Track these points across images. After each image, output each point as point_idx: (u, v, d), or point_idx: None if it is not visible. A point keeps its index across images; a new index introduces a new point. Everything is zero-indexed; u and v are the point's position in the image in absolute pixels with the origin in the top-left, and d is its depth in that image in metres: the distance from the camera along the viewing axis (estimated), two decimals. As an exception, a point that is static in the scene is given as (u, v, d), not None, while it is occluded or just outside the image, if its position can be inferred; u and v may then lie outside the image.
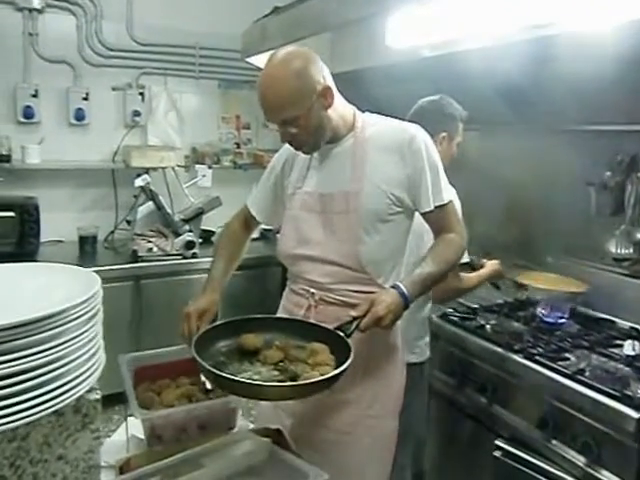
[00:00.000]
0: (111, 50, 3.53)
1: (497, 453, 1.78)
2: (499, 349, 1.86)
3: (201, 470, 1.14)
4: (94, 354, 0.92)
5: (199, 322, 1.37)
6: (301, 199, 1.46)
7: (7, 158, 3.24)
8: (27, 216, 3.16)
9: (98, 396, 0.92)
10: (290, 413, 1.48)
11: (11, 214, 3.14)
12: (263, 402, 1.56)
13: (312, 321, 1.38)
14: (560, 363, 1.71)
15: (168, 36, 3.63)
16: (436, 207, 1.39)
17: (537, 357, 1.75)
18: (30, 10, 3.27)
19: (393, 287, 1.29)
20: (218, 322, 1.39)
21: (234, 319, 1.36)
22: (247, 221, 1.65)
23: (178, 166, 3.76)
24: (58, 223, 3.48)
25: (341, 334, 1.23)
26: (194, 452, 1.16)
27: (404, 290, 1.28)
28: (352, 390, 1.42)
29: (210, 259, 3.26)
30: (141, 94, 3.64)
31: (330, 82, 1.36)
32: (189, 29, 3.64)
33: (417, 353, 1.93)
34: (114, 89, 3.60)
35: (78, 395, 0.85)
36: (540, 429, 1.69)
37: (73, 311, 0.84)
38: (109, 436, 1.44)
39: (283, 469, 1.11)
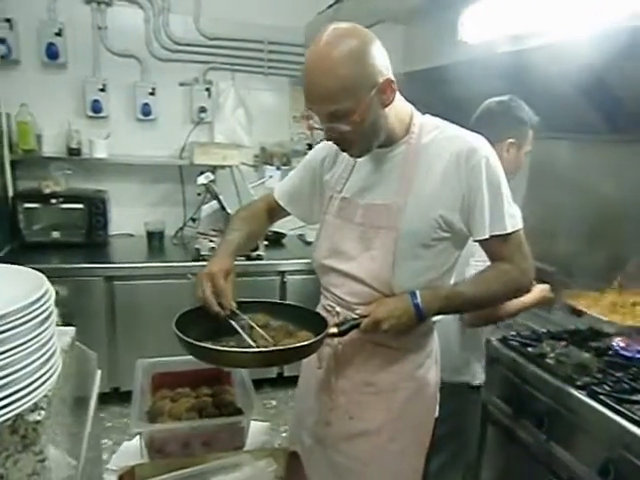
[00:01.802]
0: (178, 44, 3.63)
1: (552, 496, 1.66)
2: (558, 382, 1.72)
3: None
4: (40, 366, 0.83)
5: (224, 283, 1.27)
6: (338, 206, 1.37)
7: (77, 151, 3.47)
8: (95, 209, 3.40)
9: (39, 417, 0.84)
10: (311, 434, 1.46)
11: (80, 206, 3.37)
12: (291, 420, 1.63)
13: (317, 311, 1.40)
14: (627, 406, 1.54)
15: (236, 30, 3.69)
16: (493, 236, 1.25)
17: (601, 396, 1.60)
18: (99, 3, 3.43)
19: (412, 293, 1.23)
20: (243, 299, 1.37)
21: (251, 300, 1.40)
22: (270, 210, 1.56)
23: (244, 165, 3.83)
24: (129, 217, 3.71)
25: (334, 330, 1.25)
26: (201, 468, 1.16)
27: (419, 300, 1.22)
28: (373, 421, 1.37)
29: (277, 261, 3.38)
30: (207, 90, 3.73)
31: (391, 73, 1.19)
32: (258, 23, 3.68)
33: (470, 375, 1.86)
34: (181, 84, 3.71)
35: (11, 415, 0.79)
36: (601, 477, 1.54)
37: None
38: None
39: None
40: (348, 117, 1.15)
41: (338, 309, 1.37)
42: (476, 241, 1.29)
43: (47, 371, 0.86)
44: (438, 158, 1.25)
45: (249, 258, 3.41)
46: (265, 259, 3.46)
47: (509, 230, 1.25)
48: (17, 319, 0.79)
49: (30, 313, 0.81)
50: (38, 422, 0.84)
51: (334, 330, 1.24)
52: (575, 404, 1.65)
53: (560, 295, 2.02)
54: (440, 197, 1.24)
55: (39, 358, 0.84)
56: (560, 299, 2.04)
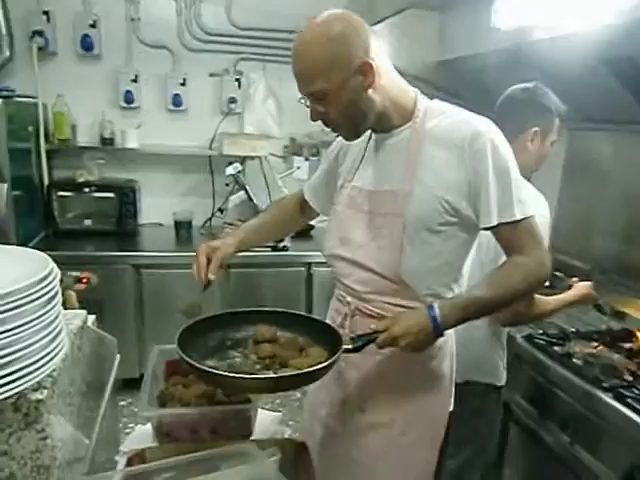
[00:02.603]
0: (210, 35, 3.65)
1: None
2: (584, 384, 1.67)
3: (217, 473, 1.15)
4: (45, 346, 0.86)
5: (209, 257, 1.34)
6: (348, 194, 1.37)
7: (110, 141, 3.54)
8: (125, 198, 3.47)
9: (42, 396, 0.86)
10: (323, 425, 1.46)
11: (111, 195, 3.45)
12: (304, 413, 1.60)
13: (333, 326, 1.33)
14: (656, 410, 1.50)
15: (268, 20, 3.67)
16: (501, 224, 1.20)
17: (629, 399, 1.55)
18: (132, -7, 3.48)
19: (429, 307, 1.19)
20: (250, 309, 1.38)
21: (261, 310, 1.39)
22: (302, 204, 1.61)
23: (273, 156, 3.83)
24: (159, 206, 3.78)
25: (348, 346, 1.19)
26: (206, 454, 1.17)
27: (437, 313, 1.17)
28: (385, 414, 1.35)
29: (304, 252, 3.37)
30: (237, 80, 3.74)
31: (379, 57, 1.20)
32: (290, 12, 3.60)
33: (494, 376, 1.80)
34: (212, 75, 3.72)
35: (13, 393, 0.81)
36: (626, 484, 1.50)
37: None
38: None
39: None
40: (325, 97, 1.20)
41: (349, 299, 1.36)
42: (485, 229, 1.24)
43: (51, 351, 0.88)
44: (442, 143, 1.23)
45: (275, 249, 3.42)
46: (292, 250, 3.47)
47: (518, 217, 1.20)
48: (21, 298, 0.81)
49: (35, 293, 0.83)
50: (40, 401, 0.85)
51: (348, 346, 1.20)
52: (601, 407, 1.61)
53: (602, 294, 1.94)
54: (445, 182, 1.22)
55: (43, 338, 0.85)
56: (602, 298, 1.96)
